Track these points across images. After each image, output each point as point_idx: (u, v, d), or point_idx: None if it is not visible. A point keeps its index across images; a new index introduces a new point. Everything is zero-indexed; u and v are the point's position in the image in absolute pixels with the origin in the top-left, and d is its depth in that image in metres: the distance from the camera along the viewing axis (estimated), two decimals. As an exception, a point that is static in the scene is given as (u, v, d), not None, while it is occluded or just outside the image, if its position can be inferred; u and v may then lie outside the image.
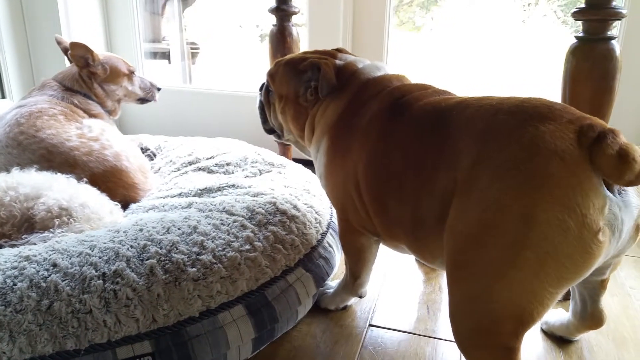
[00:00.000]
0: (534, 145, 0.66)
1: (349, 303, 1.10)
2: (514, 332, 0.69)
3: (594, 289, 0.90)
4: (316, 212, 1.14)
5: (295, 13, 1.56)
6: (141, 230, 0.95)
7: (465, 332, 0.73)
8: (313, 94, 1.01)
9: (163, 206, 1.16)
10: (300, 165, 1.42)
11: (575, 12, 1.11)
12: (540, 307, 0.68)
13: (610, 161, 0.64)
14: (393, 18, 1.96)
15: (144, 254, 0.87)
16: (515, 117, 0.71)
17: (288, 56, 1.09)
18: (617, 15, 1.08)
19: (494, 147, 0.70)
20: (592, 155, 0.65)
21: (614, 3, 1.07)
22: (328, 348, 0.97)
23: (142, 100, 1.61)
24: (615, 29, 1.59)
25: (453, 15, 2.32)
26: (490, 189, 0.67)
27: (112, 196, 1.18)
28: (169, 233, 0.94)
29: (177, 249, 0.90)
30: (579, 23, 1.10)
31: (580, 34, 1.11)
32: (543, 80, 2.34)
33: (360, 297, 1.10)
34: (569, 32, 2.22)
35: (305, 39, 1.95)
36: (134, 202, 1.26)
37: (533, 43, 2.30)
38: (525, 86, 2.38)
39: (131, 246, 0.89)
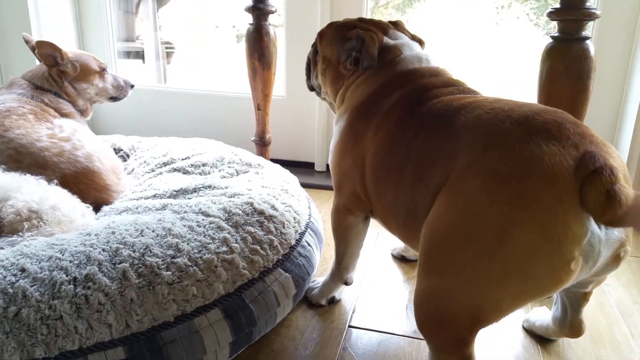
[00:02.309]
0: (531, 164, 0.66)
1: (336, 295, 1.11)
2: (468, 328, 0.73)
3: (576, 299, 0.91)
4: (295, 212, 1.13)
5: (272, 12, 1.54)
6: (113, 233, 0.92)
7: (423, 319, 0.77)
8: (352, 64, 1.00)
9: (136, 208, 1.13)
10: (278, 166, 1.41)
11: (550, 12, 1.12)
12: (497, 313, 0.71)
13: (597, 198, 0.63)
14: (370, 18, 1.95)
15: (117, 258, 0.84)
16: (522, 129, 0.70)
17: (342, 20, 1.09)
18: (592, 16, 1.10)
19: (492, 155, 0.69)
20: (582, 186, 0.64)
21: (588, 4, 1.08)
22: (307, 351, 0.96)
23: (115, 98, 1.57)
24: (588, 30, 1.62)
25: (428, 18, 2.33)
26: (477, 199, 0.68)
27: (84, 198, 1.15)
28: (142, 236, 0.92)
29: (151, 252, 0.87)
30: (551, 25, 1.12)
31: (556, 34, 1.13)
32: (517, 81, 2.37)
33: (347, 283, 1.11)
34: (541, 34, 2.26)
35: (282, 40, 1.93)
36: (107, 204, 1.22)
37: (506, 45, 2.33)
38: (500, 88, 2.41)
39: (103, 249, 0.86)
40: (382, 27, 1.05)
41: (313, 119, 2.02)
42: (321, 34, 1.09)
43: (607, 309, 1.12)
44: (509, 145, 0.69)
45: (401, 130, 0.86)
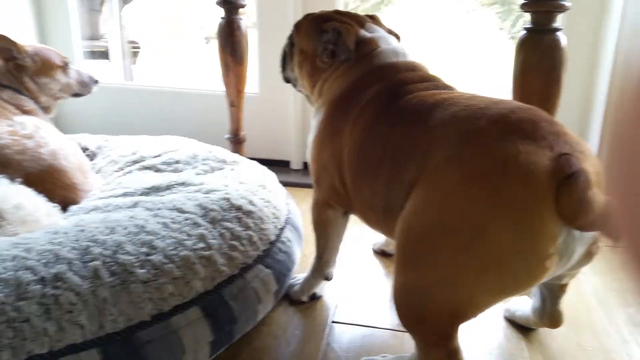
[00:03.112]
0: (507, 162, 0.66)
1: (317, 290, 1.09)
2: (448, 322, 0.73)
3: (554, 291, 0.92)
4: (274, 207, 1.10)
5: (242, 6, 1.52)
6: (83, 230, 0.87)
7: (403, 314, 0.76)
8: (329, 56, 0.99)
9: (106, 206, 1.08)
10: (255, 162, 1.37)
11: (523, 4, 1.13)
12: (475, 309, 0.71)
13: (571, 204, 0.63)
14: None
15: (87, 256, 0.80)
16: (498, 128, 0.70)
17: (319, 12, 1.06)
18: (562, 8, 1.12)
19: (469, 152, 0.69)
20: (557, 190, 0.64)
21: (558, -5, 1.10)
22: (291, 347, 0.93)
23: (78, 95, 1.50)
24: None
25: (400, 19, 2.34)
26: (454, 195, 0.68)
27: (50, 197, 1.08)
28: (113, 233, 0.87)
29: (123, 250, 0.83)
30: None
31: (529, 26, 1.14)
32: (489, 82, 2.41)
33: (327, 279, 1.10)
34: (507, 38, 2.30)
35: (255, 37, 1.90)
36: (74, 204, 1.16)
37: (477, 47, 2.36)
38: (473, 88, 2.44)
39: (73, 248, 0.81)
40: (359, 20, 1.04)
41: (288, 117, 1.99)
42: (297, 26, 1.07)
43: (585, 296, 1.13)
44: (485, 143, 0.69)
45: (378, 125, 0.86)
